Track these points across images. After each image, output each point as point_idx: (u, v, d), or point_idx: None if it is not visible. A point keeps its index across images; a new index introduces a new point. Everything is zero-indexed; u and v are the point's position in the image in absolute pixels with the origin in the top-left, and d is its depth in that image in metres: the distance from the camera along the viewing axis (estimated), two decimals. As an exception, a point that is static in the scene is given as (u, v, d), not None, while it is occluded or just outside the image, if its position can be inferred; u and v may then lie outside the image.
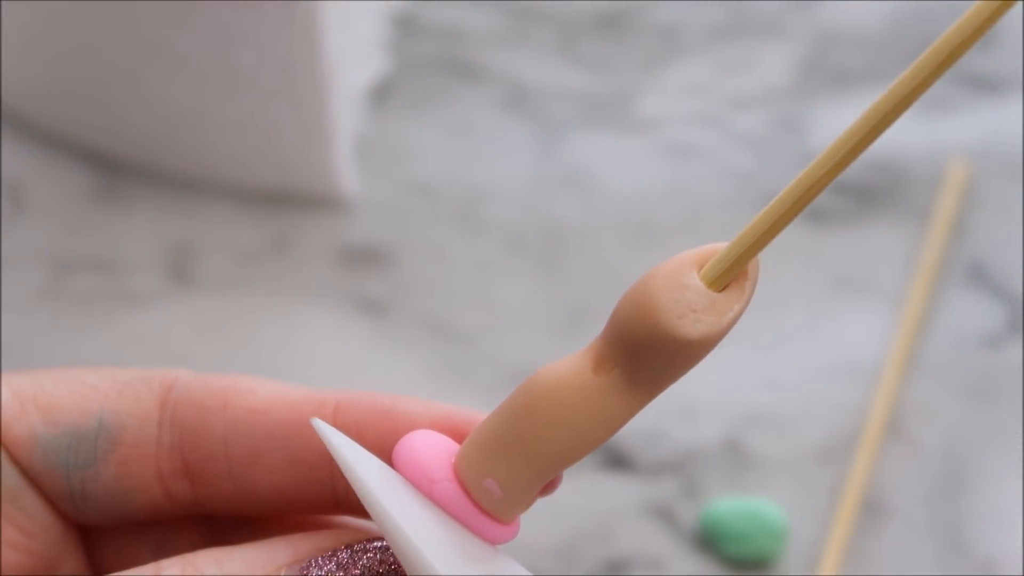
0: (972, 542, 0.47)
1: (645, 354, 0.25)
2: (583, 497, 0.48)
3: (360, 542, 0.28)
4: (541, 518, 0.48)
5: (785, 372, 0.50)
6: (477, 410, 0.29)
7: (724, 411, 0.49)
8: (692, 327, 0.24)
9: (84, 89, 0.54)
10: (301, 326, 0.52)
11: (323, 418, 0.29)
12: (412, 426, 0.29)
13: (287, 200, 0.54)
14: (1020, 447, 0.48)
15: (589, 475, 0.48)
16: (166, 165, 0.55)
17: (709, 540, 0.46)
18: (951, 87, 0.58)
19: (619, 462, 0.48)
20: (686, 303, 0.24)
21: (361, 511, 0.29)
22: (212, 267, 0.53)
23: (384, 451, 0.29)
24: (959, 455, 0.49)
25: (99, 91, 0.54)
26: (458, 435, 0.28)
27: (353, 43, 0.54)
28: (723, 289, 0.25)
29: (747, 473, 0.48)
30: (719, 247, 0.25)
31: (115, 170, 0.55)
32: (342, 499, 0.30)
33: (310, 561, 0.27)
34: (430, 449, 0.27)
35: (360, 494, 0.26)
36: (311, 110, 0.52)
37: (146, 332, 0.51)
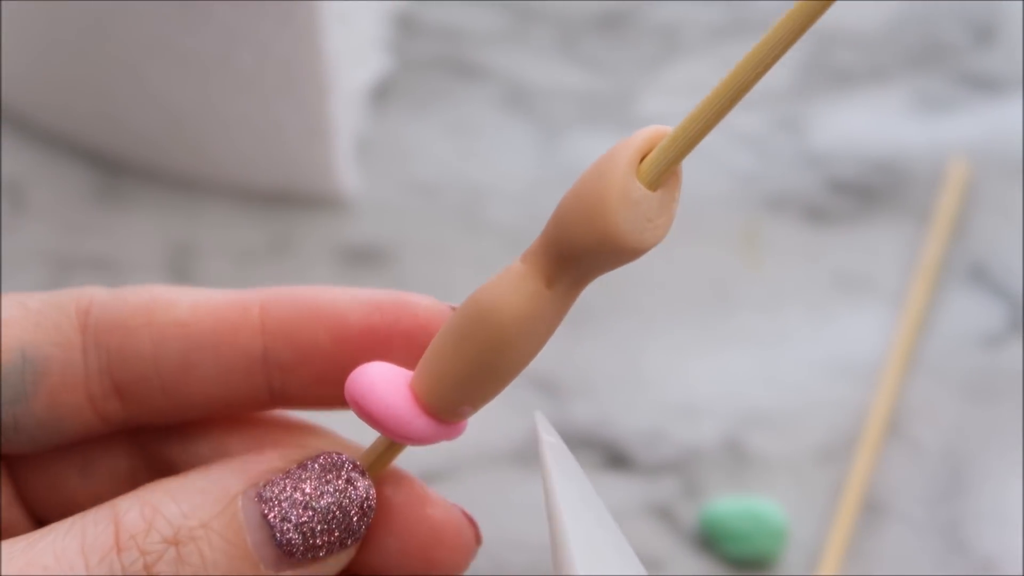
0: (972, 542, 0.47)
1: (603, 265, 0.26)
2: (583, 497, 0.48)
3: (310, 458, 0.28)
4: (541, 517, 0.48)
5: (785, 371, 0.50)
6: (401, 292, 0.31)
7: (724, 411, 0.49)
8: (653, 235, 0.25)
9: (84, 89, 0.54)
10: (301, 326, 0.52)
11: (249, 321, 0.29)
12: (341, 319, 0.30)
13: (287, 200, 0.54)
14: (1020, 447, 0.48)
15: (589, 475, 0.48)
16: (166, 165, 0.55)
17: (709, 540, 0.46)
18: (951, 87, 0.58)
19: (619, 462, 0.48)
20: (642, 215, 0.25)
21: (297, 405, 0.30)
22: (212, 267, 0.53)
23: (317, 346, 0.29)
24: (959, 455, 0.49)
25: (99, 91, 0.54)
26: (390, 320, 0.30)
27: (353, 43, 0.54)
28: (659, 187, 0.25)
29: (747, 473, 0.48)
30: (648, 136, 0.25)
31: (115, 170, 0.55)
32: (278, 395, 0.30)
33: (264, 484, 0.27)
34: (394, 391, 0.27)
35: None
36: (311, 110, 0.52)
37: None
